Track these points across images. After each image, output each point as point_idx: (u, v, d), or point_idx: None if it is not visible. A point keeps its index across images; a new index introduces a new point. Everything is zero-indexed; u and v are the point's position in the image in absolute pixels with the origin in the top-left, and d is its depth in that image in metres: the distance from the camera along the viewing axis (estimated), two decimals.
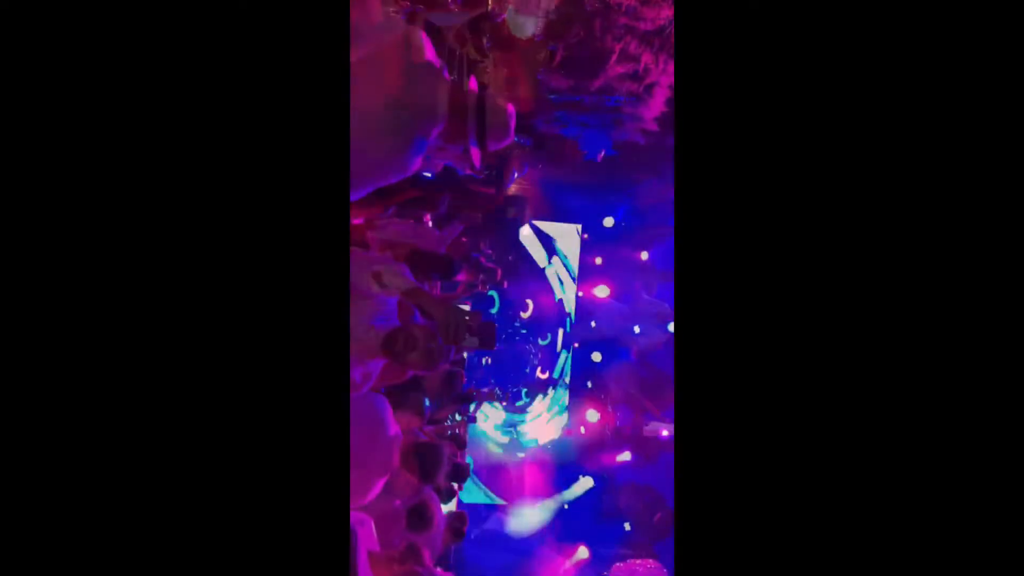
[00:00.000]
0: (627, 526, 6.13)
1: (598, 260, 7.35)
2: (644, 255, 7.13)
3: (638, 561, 3.81)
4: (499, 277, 4.70)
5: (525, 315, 7.25)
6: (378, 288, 2.56)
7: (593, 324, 7.38)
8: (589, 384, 7.30)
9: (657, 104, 4.66)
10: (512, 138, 2.23)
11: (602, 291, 7.31)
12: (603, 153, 5.26)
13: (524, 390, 7.08)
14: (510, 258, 6.92)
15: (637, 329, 7.05)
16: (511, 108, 1.72)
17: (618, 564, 3.93)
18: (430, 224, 4.80)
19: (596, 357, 7.30)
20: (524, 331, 7.17)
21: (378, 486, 2.31)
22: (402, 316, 2.91)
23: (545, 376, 7.20)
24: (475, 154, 1.93)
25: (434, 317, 2.86)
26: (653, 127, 4.89)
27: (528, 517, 6.26)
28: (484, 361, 6.85)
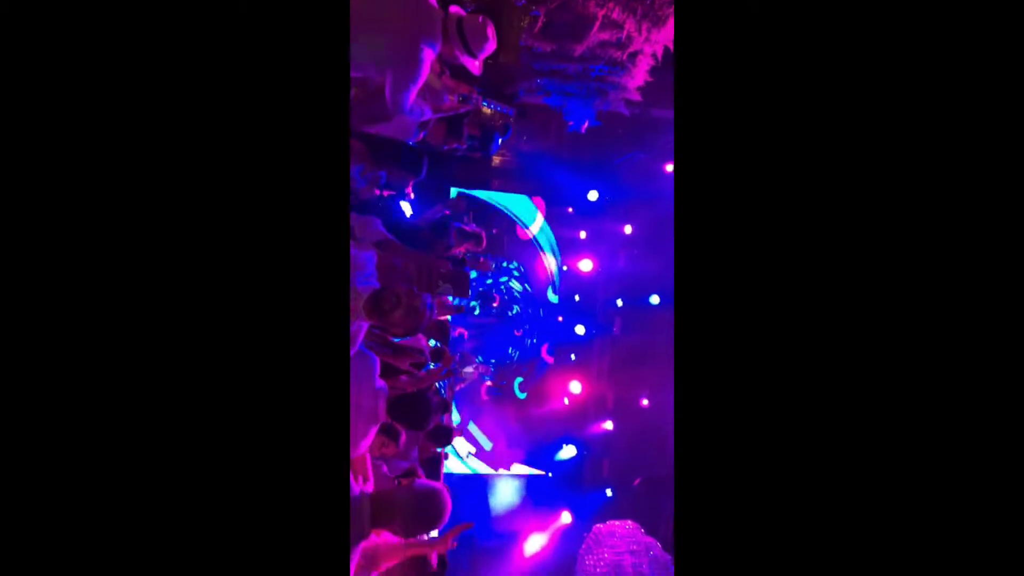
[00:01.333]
0: (608, 492, 6.31)
1: (582, 234, 7.37)
2: (628, 228, 7.16)
3: (617, 522, 3.95)
4: (484, 244, 4.70)
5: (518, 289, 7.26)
6: (353, 240, 2.54)
7: (577, 298, 7.44)
8: (572, 357, 7.40)
9: (640, 73, 4.61)
10: (494, 45, 2.39)
11: (586, 265, 7.35)
12: (587, 124, 5.21)
13: (516, 353, 7.16)
14: (495, 231, 6.89)
15: (620, 302, 7.14)
16: (488, 21, 2.15)
17: (598, 525, 4.07)
18: (412, 196, 4.74)
19: (579, 330, 7.38)
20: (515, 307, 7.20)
21: (369, 436, 2.34)
22: (383, 277, 2.90)
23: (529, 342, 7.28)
24: (471, 64, 2.32)
25: (408, 267, 2.86)
26: (636, 97, 4.85)
27: (508, 491, 6.40)
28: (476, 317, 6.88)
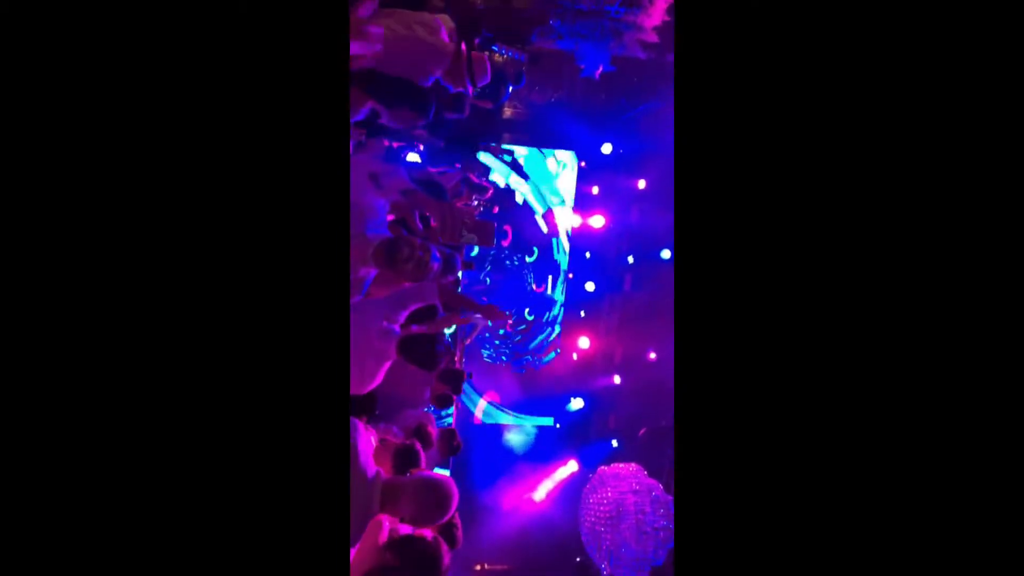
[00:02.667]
0: (614, 443, 6.45)
1: (595, 189, 7.25)
2: (641, 183, 7.02)
3: (621, 465, 4.06)
4: (490, 195, 4.67)
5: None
6: (376, 188, 2.54)
7: (588, 255, 7.39)
8: (582, 313, 7.43)
9: (658, 12, 4.41)
10: (489, 78, 2.41)
11: (597, 221, 7.27)
12: (601, 69, 5.04)
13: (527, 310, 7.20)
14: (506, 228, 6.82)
15: (631, 259, 7.08)
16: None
17: (602, 467, 4.19)
18: (420, 148, 4.68)
19: (589, 287, 7.38)
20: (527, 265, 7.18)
21: (381, 373, 2.40)
22: (393, 227, 2.90)
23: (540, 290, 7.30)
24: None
25: (432, 216, 2.85)
26: (653, 38, 4.66)
27: (517, 439, 6.58)
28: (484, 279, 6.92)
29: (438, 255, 2.43)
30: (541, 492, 6.01)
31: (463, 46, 2.60)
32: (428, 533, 1.65)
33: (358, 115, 2.65)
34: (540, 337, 7.21)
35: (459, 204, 3.99)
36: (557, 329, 7.27)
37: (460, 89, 3.14)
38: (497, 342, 6.98)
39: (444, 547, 1.63)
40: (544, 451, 6.63)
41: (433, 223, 2.94)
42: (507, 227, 6.58)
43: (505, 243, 6.70)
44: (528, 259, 7.22)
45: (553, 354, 7.14)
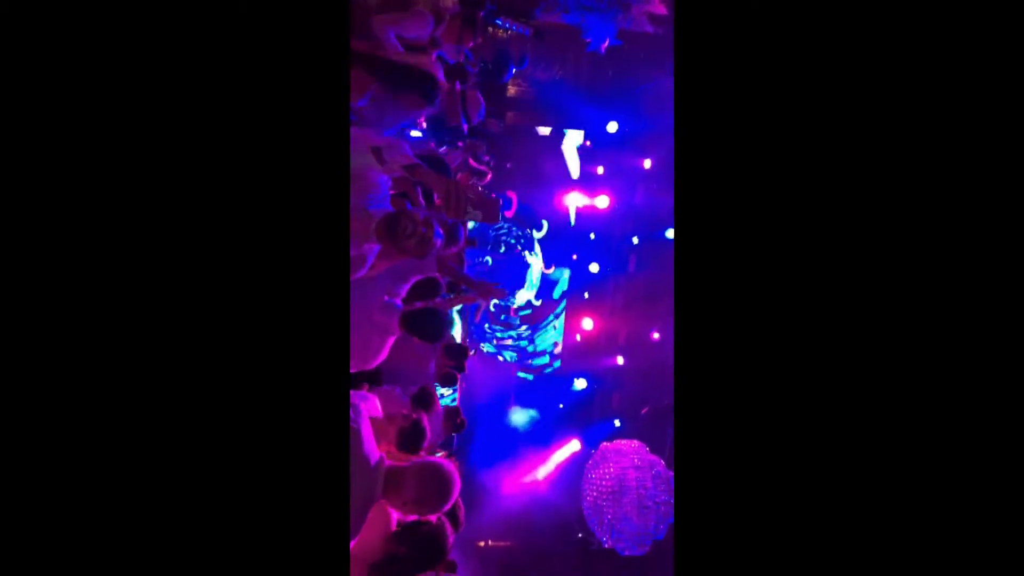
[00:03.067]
0: (617, 423, 6.47)
1: (600, 169, 7.17)
2: (648, 163, 6.94)
3: (623, 441, 4.08)
4: (489, 179, 4.62)
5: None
6: (379, 164, 2.51)
7: (592, 236, 7.35)
8: (586, 295, 7.41)
9: None
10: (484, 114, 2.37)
11: (602, 201, 7.20)
12: (607, 43, 4.95)
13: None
14: (508, 165, 6.74)
15: (636, 240, 7.03)
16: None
17: (605, 443, 4.21)
18: (423, 124, 4.63)
19: (593, 268, 7.34)
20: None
21: (386, 348, 2.40)
22: (396, 202, 2.87)
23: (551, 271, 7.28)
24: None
25: (436, 190, 2.82)
26: (661, 10, 4.56)
27: (521, 418, 6.63)
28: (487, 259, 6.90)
29: (441, 231, 2.41)
30: (543, 472, 6.06)
31: (457, 84, 2.58)
32: (432, 517, 1.65)
33: (361, 100, 2.62)
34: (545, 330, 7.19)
35: (462, 178, 3.95)
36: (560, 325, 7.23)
37: (461, 61, 3.09)
38: (498, 330, 6.96)
39: (449, 529, 1.63)
40: (547, 432, 6.67)
41: (437, 200, 2.92)
42: (511, 193, 6.49)
43: (508, 213, 6.64)
44: (536, 234, 7.14)
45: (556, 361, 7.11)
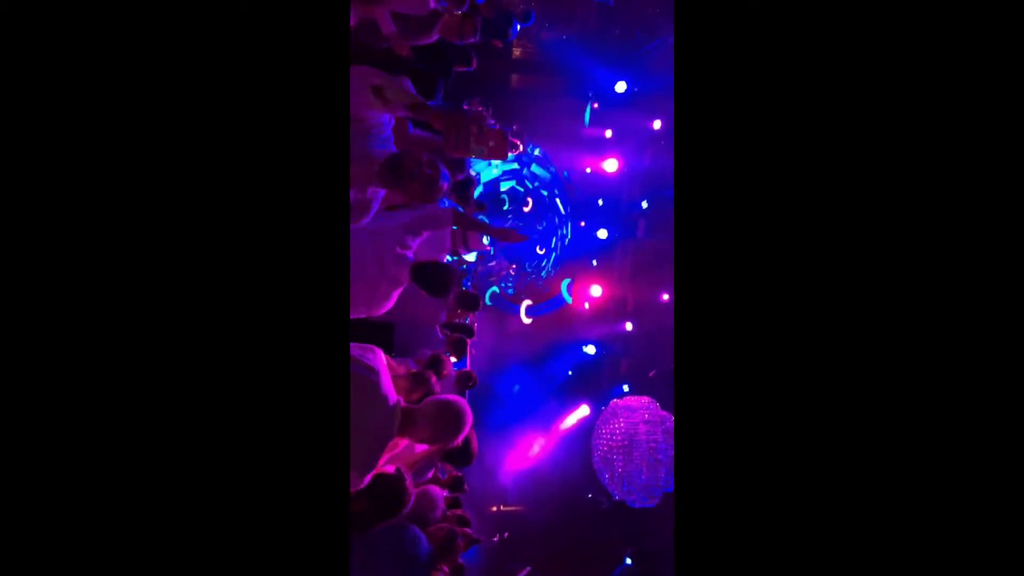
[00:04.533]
0: (626, 388, 6.47)
1: (608, 133, 7.03)
2: (657, 124, 6.78)
3: (633, 397, 4.07)
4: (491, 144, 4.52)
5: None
6: (380, 103, 2.42)
7: (600, 202, 7.24)
8: (594, 263, 7.34)
9: None
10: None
11: (611, 165, 7.08)
12: None
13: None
14: (514, 127, 6.63)
15: (645, 204, 6.92)
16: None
17: (615, 399, 4.20)
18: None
19: (602, 234, 7.26)
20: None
21: (393, 297, 2.37)
22: (400, 142, 2.79)
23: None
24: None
25: (439, 127, 2.73)
26: None
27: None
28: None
29: (447, 173, 2.33)
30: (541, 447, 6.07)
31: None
32: (391, 468, 1.68)
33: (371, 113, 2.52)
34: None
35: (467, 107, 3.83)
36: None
37: (469, 39, 2.97)
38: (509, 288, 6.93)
39: (408, 481, 1.68)
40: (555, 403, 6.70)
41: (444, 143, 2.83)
42: (515, 140, 6.43)
43: (514, 151, 6.53)
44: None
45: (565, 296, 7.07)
